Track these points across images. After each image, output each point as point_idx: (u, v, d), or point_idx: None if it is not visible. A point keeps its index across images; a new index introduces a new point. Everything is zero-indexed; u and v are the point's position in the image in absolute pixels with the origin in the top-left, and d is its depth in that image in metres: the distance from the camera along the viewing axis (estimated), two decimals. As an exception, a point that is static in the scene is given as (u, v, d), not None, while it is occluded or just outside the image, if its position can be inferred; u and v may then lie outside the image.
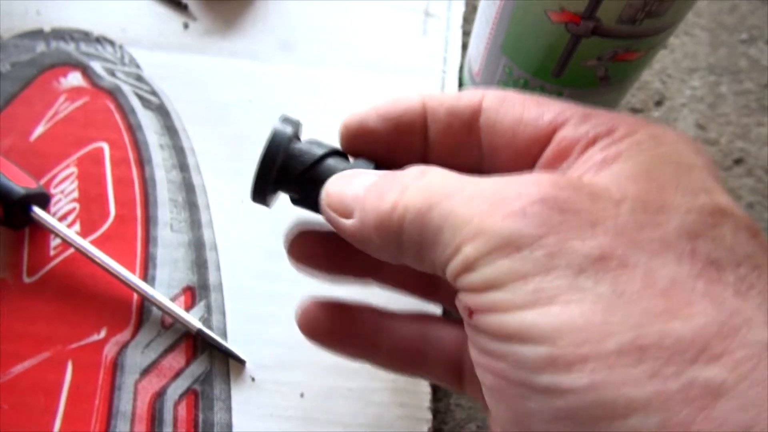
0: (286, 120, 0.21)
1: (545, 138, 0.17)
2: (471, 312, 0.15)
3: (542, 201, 0.14)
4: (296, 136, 0.21)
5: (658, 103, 0.34)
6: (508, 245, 0.14)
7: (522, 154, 0.18)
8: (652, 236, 0.14)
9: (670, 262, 0.14)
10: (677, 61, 0.35)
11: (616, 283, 0.14)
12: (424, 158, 0.20)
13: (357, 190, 0.18)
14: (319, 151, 0.20)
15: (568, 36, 0.23)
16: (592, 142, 0.16)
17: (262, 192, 0.20)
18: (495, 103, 0.18)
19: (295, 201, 0.22)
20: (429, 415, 0.27)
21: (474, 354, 0.16)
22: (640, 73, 0.27)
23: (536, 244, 0.14)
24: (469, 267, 0.15)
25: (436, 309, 0.28)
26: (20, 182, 0.29)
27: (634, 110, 0.34)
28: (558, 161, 0.17)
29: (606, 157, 0.16)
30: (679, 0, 0.21)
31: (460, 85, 0.34)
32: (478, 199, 0.15)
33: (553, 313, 0.13)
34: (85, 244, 0.29)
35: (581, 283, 0.14)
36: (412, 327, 0.23)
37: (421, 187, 0.16)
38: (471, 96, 0.19)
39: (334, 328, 0.23)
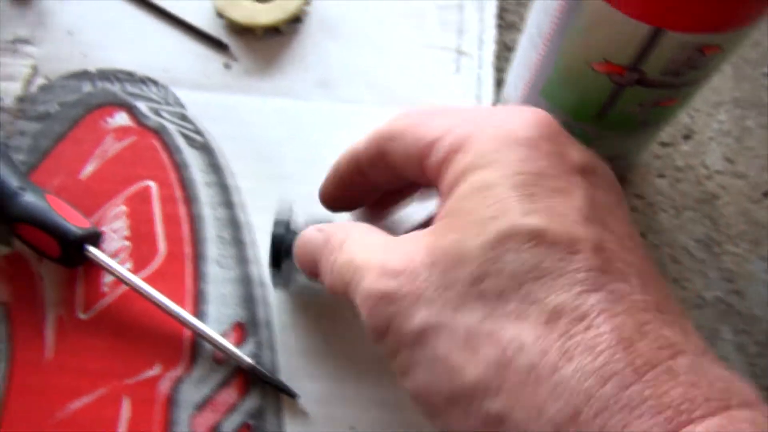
0: (277, 223, 0.28)
1: (420, 161, 0.21)
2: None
3: (379, 297, 0.19)
4: (287, 230, 0.28)
5: (687, 137, 0.35)
6: (383, 296, 0.19)
7: (413, 170, 0.22)
8: (451, 295, 0.17)
9: (466, 314, 0.17)
10: (704, 96, 0.36)
11: (434, 353, 0.17)
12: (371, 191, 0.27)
13: (314, 247, 0.24)
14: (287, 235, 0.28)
15: (612, 85, 0.24)
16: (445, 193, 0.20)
17: (279, 283, 0.29)
18: (389, 139, 0.23)
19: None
20: (476, 447, 0.28)
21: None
22: (679, 114, 0.28)
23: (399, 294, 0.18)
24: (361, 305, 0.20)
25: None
26: (75, 222, 0.30)
27: (664, 144, 0.35)
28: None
29: (435, 227, 0.20)
30: (721, 53, 0.22)
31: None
32: (374, 268, 0.20)
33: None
34: (138, 281, 0.30)
35: (415, 355, 0.18)
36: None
37: (349, 248, 0.22)
38: (374, 141, 0.24)
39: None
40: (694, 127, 0.36)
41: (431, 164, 0.21)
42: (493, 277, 0.17)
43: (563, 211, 0.17)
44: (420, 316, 0.18)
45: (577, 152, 0.19)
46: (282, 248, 0.27)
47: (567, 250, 0.17)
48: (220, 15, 0.36)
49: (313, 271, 0.24)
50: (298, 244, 0.26)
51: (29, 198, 0.30)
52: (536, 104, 0.28)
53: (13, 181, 0.30)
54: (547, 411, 0.15)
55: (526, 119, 0.19)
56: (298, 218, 0.28)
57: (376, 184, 0.26)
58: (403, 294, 0.18)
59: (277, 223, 0.28)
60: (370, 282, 0.19)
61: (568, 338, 0.16)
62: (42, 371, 0.29)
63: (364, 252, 0.21)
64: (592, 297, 0.16)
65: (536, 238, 0.17)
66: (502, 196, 0.18)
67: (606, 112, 0.26)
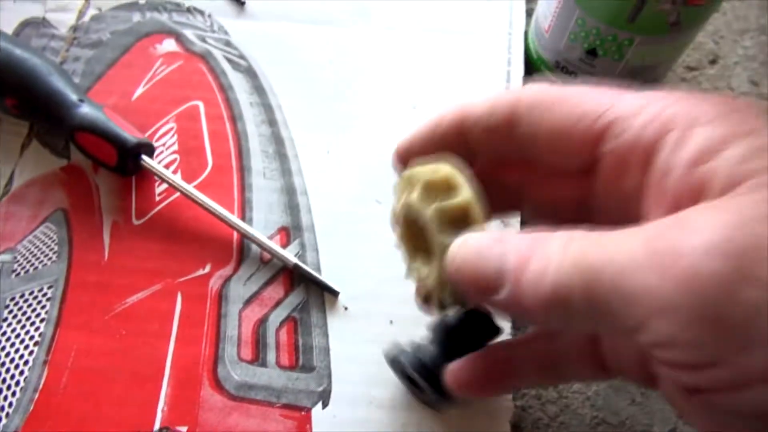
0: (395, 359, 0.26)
1: (587, 137, 0.18)
2: (693, 391, 0.15)
3: (710, 254, 0.13)
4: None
5: (712, 62, 0.36)
6: (703, 318, 0.13)
7: (569, 154, 0.18)
8: None
9: None
10: (729, 23, 0.37)
11: None
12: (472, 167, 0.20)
13: (501, 260, 0.17)
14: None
15: (645, -19, 0.25)
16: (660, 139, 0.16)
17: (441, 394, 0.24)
18: (530, 108, 0.19)
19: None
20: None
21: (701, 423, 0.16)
22: (707, 20, 0.29)
23: (731, 308, 0.13)
24: (667, 344, 0.14)
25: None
26: (130, 133, 0.32)
27: (690, 68, 0.36)
28: (630, 157, 0.17)
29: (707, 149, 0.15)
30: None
31: (526, 44, 0.36)
32: (641, 272, 0.14)
33: None
34: (190, 188, 0.31)
35: None
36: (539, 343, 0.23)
37: (577, 260, 0.15)
38: (503, 108, 0.19)
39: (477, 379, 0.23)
40: (720, 52, 0.37)
41: (624, 143, 0.17)
42: None
43: None
44: None
45: None
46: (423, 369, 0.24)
47: None
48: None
49: (487, 289, 0.17)
50: (465, 257, 0.18)
51: (88, 109, 0.32)
52: (571, 13, 0.30)
53: (72, 94, 0.32)
54: None
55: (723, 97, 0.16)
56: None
57: (474, 152, 0.21)
58: (751, 246, 0.13)
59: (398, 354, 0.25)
60: (673, 245, 0.13)
61: None
62: (100, 270, 0.31)
63: (599, 238, 0.15)
64: None
65: None
66: None
67: (638, 13, 0.27)
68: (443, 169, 0.20)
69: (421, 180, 0.20)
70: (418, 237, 0.22)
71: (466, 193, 0.19)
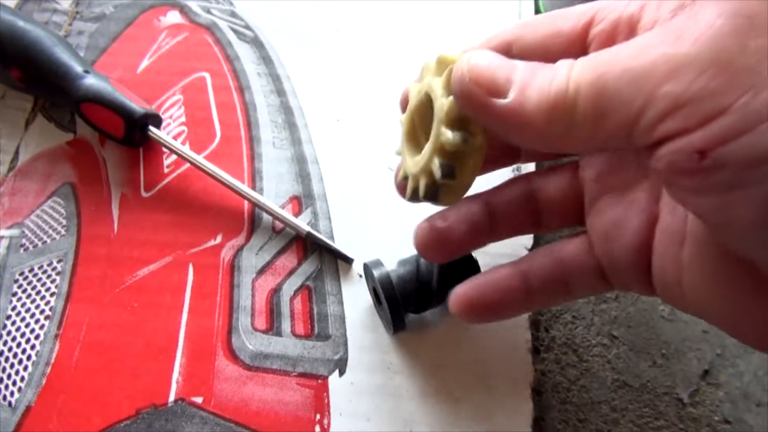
0: (374, 265, 0.27)
1: (583, 28, 0.18)
2: (703, 152, 0.14)
3: (724, 14, 0.14)
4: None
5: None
6: (715, 65, 0.13)
7: (561, 52, 0.19)
8: None
9: None
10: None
11: None
12: None
13: (510, 71, 0.17)
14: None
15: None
16: None
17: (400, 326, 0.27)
18: (521, 27, 0.20)
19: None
20: (528, 304, 0.29)
21: (705, 203, 0.15)
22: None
23: (741, 55, 0.13)
24: (677, 108, 0.14)
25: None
26: (137, 104, 0.31)
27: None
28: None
29: None
30: None
31: (536, 8, 0.36)
32: (652, 49, 0.14)
33: None
34: (200, 158, 0.31)
35: None
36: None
37: (586, 63, 0.16)
38: (498, 38, 0.20)
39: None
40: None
41: (609, 24, 0.18)
42: None
43: None
44: None
45: None
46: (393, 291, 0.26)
47: None
48: None
49: (486, 97, 0.17)
50: (478, 63, 0.18)
51: (94, 80, 0.31)
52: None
53: (77, 65, 0.31)
54: None
55: None
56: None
57: None
58: (753, 12, 0.14)
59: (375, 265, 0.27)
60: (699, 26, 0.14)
61: None
62: (110, 243, 0.31)
63: (629, 49, 0.15)
64: None
65: None
66: None
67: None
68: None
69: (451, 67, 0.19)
70: (420, 125, 0.22)
71: None
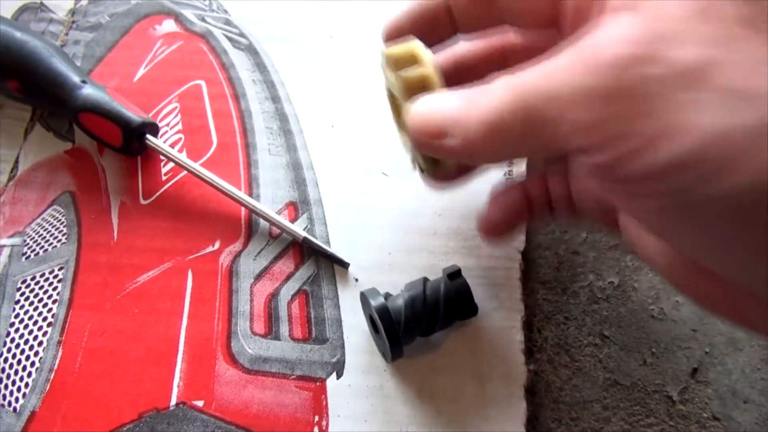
0: (372, 294, 0.27)
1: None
2: (606, 168, 0.16)
3: (623, 42, 0.16)
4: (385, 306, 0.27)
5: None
6: (616, 93, 0.15)
7: (537, 12, 0.20)
8: (720, 30, 0.15)
9: (743, 48, 0.15)
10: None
11: (721, 85, 0.14)
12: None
13: (449, 111, 0.19)
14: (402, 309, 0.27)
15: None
16: None
17: (398, 355, 0.27)
18: None
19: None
20: (521, 306, 0.30)
21: (616, 201, 0.18)
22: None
23: (640, 83, 0.15)
24: (585, 131, 0.16)
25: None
26: (134, 113, 0.32)
27: None
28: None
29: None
30: None
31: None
32: (564, 70, 0.16)
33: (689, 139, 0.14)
34: (197, 166, 0.31)
35: (691, 97, 0.14)
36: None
37: (514, 88, 0.17)
38: None
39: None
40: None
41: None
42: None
43: None
44: (688, 53, 0.15)
45: None
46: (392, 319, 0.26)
47: None
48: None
49: (435, 141, 0.19)
50: (419, 113, 0.20)
51: (91, 90, 0.32)
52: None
53: (74, 75, 0.32)
54: None
55: None
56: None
57: (459, 27, 0.23)
58: (662, 34, 0.15)
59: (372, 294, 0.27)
60: (590, 47, 0.16)
61: None
62: (110, 251, 0.31)
63: (545, 71, 0.17)
64: None
65: None
66: None
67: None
68: (409, 45, 0.22)
69: (393, 56, 0.22)
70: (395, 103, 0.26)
71: (426, 64, 0.22)
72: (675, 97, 0.15)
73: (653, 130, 0.15)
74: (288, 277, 0.30)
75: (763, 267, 0.15)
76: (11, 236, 0.32)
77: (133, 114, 0.31)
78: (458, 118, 0.19)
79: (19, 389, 0.29)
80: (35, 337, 0.30)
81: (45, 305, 0.30)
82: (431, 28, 0.23)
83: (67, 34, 0.36)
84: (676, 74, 0.15)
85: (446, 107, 0.19)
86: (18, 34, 0.32)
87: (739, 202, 0.14)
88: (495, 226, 0.27)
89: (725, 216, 0.15)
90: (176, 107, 0.34)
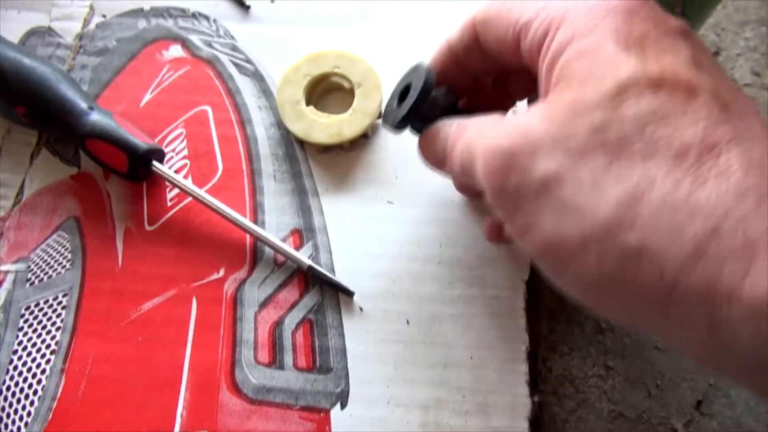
0: (427, 71, 0.26)
1: (516, 43, 0.22)
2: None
3: (493, 153, 0.20)
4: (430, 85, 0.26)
5: (715, 54, 0.37)
6: (500, 191, 0.20)
7: (512, 57, 0.22)
8: (572, 145, 0.18)
9: (589, 163, 0.17)
10: (730, 16, 0.38)
11: (561, 199, 0.18)
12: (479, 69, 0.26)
13: (442, 148, 0.24)
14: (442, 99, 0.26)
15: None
16: (549, 68, 0.20)
17: (405, 124, 0.27)
18: (482, 24, 0.23)
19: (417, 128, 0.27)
20: (525, 336, 0.29)
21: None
22: (710, 14, 0.29)
23: (510, 187, 0.19)
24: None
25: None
26: (140, 139, 0.32)
27: (693, 61, 0.36)
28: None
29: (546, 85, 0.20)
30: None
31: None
32: (482, 147, 0.20)
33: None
34: (202, 192, 0.31)
35: (540, 205, 0.18)
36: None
37: (465, 145, 0.22)
38: (467, 28, 0.24)
39: None
40: (722, 44, 0.37)
41: (528, 45, 0.21)
42: (616, 124, 0.17)
43: (676, 63, 0.18)
44: (541, 167, 0.18)
45: (673, 18, 0.19)
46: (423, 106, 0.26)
47: (687, 93, 0.17)
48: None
49: (439, 161, 0.25)
50: (428, 137, 0.25)
51: (98, 116, 0.32)
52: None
53: (82, 102, 0.32)
54: (686, 232, 0.16)
55: None
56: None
57: (473, 72, 0.26)
58: (519, 147, 0.19)
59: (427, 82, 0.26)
60: (485, 145, 0.20)
61: (699, 165, 0.16)
62: (114, 277, 0.31)
63: (479, 128, 0.22)
64: (719, 129, 0.16)
65: (656, 84, 0.17)
66: (613, 54, 0.18)
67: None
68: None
69: None
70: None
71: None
72: (533, 201, 0.19)
73: (523, 223, 0.19)
74: (292, 306, 0.30)
75: (634, 322, 0.18)
76: (16, 262, 0.32)
77: (140, 140, 0.31)
78: (449, 153, 0.24)
79: (21, 418, 0.28)
80: (38, 365, 0.29)
81: (48, 332, 0.30)
82: (453, 80, 0.27)
83: (74, 59, 0.37)
84: (533, 183, 0.18)
85: (444, 142, 0.24)
86: (26, 60, 0.32)
87: (585, 288, 0.19)
88: (499, 230, 0.29)
89: (583, 293, 0.19)
90: (182, 132, 0.34)
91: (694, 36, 0.20)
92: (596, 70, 0.18)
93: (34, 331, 0.30)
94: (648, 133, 0.17)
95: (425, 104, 0.26)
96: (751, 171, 0.16)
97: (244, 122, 0.35)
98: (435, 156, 0.25)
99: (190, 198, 0.32)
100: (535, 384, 0.29)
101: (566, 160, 0.18)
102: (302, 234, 0.32)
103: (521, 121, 0.19)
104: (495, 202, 0.20)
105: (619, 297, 0.18)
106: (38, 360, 0.30)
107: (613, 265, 0.17)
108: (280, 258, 0.31)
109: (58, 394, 0.29)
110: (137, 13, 0.38)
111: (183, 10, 0.38)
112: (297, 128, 0.33)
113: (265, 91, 0.36)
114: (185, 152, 0.34)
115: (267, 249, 0.31)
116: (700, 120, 0.17)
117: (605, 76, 0.18)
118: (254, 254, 0.32)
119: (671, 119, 0.17)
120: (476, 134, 0.22)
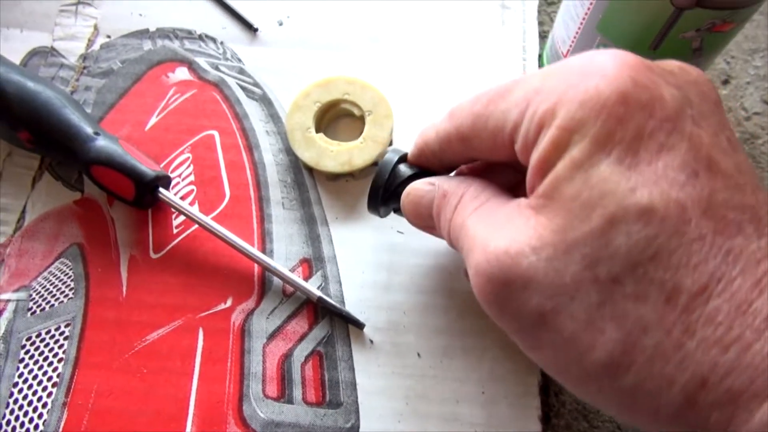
0: (393, 150, 0.27)
1: (510, 145, 0.21)
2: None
3: (488, 280, 0.20)
4: (401, 161, 0.27)
5: (725, 82, 0.37)
6: (494, 300, 0.20)
7: (506, 156, 0.22)
8: (565, 281, 0.18)
9: (584, 299, 0.18)
10: (739, 43, 0.38)
11: (559, 336, 0.18)
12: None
13: (427, 212, 0.25)
14: (406, 173, 0.27)
15: (671, 9, 0.25)
16: (531, 187, 0.20)
17: (374, 207, 0.28)
18: (471, 128, 0.23)
19: (396, 210, 0.28)
20: (537, 369, 0.29)
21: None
22: (728, 44, 0.29)
23: (501, 300, 0.20)
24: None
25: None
26: (147, 165, 0.31)
27: (703, 89, 0.36)
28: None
29: (536, 205, 0.19)
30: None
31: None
32: (472, 244, 0.21)
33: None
34: (209, 220, 0.31)
35: (539, 337, 0.19)
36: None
37: (454, 222, 0.23)
38: (447, 129, 0.24)
39: None
40: (732, 72, 0.37)
41: (521, 149, 0.20)
42: (606, 261, 0.17)
43: (669, 174, 0.17)
44: (535, 302, 0.18)
45: (668, 89, 0.18)
46: (380, 187, 0.27)
47: (678, 220, 0.17)
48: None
49: (425, 223, 0.25)
50: (408, 199, 0.26)
51: (104, 142, 0.31)
52: (592, 40, 0.30)
53: (88, 127, 0.31)
54: (677, 382, 0.17)
55: (607, 70, 0.18)
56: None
57: (451, 164, 0.26)
58: (513, 278, 0.19)
59: (387, 162, 0.27)
60: (478, 261, 0.20)
61: (689, 314, 0.17)
62: (119, 307, 0.31)
63: (474, 221, 0.21)
64: (710, 264, 0.17)
65: (645, 215, 0.17)
66: (604, 175, 0.17)
67: (662, 40, 0.27)
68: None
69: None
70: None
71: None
72: (531, 332, 0.19)
73: (525, 345, 0.20)
74: (302, 338, 0.30)
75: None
76: (17, 290, 0.31)
77: (147, 167, 0.31)
78: (435, 219, 0.25)
79: (21, 453, 0.28)
80: (39, 398, 0.29)
81: (50, 364, 0.29)
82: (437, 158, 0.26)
83: (78, 80, 0.36)
84: (530, 314, 0.19)
85: (428, 197, 0.25)
86: (30, 84, 0.31)
87: (588, 400, 0.20)
88: None
89: (584, 398, 0.21)
90: (188, 157, 0.34)
91: (692, 82, 0.20)
92: (586, 196, 0.18)
93: (35, 362, 0.29)
94: (640, 272, 0.17)
95: (391, 175, 0.27)
96: (737, 317, 0.16)
97: (251, 147, 0.34)
98: (423, 222, 0.25)
99: (197, 225, 0.32)
100: (547, 418, 0.29)
101: (559, 297, 0.18)
102: (311, 264, 0.31)
103: (513, 248, 0.19)
104: (494, 319, 0.21)
105: (619, 414, 0.19)
106: (39, 393, 0.29)
107: (613, 399, 0.18)
108: (289, 288, 0.31)
109: (60, 429, 0.28)
110: (143, 33, 0.37)
111: (189, 32, 0.37)
112: (307, 156, 0.33)
113: (273, 116, 0.35)
114: (191, 178, 0.33)
115: (275, 279, 0.31)
116: (692, 256, 0.17)
117: (595, 206, 0.17)
118: (262, 284, 0.31)
119: (662, 257, 0.17)
120: (471, 222, 0.22)
